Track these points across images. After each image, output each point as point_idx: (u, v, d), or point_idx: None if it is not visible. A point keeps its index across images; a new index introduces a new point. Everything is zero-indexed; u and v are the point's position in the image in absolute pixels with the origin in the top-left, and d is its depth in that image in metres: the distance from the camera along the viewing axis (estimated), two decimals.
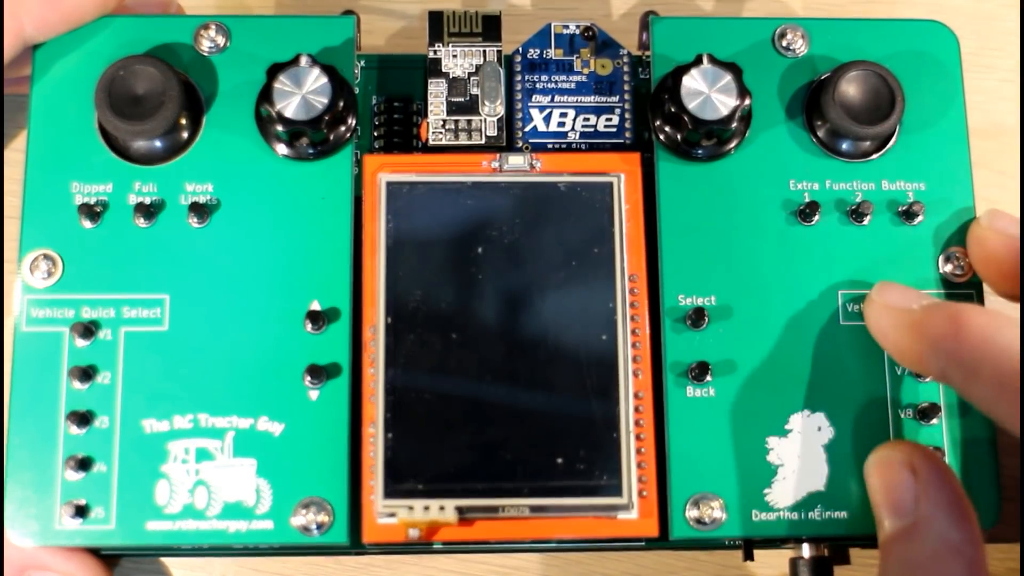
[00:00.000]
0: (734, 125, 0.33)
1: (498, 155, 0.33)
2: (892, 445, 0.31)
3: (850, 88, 0.33)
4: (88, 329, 0.31)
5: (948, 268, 0.33)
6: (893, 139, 0.34)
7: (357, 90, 0.34)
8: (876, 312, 0.31)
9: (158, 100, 0.32)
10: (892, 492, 0.29)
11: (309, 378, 0.31)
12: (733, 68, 0.33)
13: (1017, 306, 0.32)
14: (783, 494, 0.31)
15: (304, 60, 0.32)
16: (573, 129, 0.35)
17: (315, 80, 0.32)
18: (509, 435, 0.31)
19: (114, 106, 0.32)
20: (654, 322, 0.32)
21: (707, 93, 0.32)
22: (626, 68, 0.35)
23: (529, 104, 0.35)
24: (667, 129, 0.33)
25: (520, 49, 0.35)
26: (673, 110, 0.32)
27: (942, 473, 0.29)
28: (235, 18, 0.34)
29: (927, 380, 0.32)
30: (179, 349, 0.32)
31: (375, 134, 0.35)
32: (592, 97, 0.35)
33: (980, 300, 0.33)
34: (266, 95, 0.32)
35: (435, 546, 0.32)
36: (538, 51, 0.35)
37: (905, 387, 0.32)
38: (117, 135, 0.33)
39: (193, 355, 0.32)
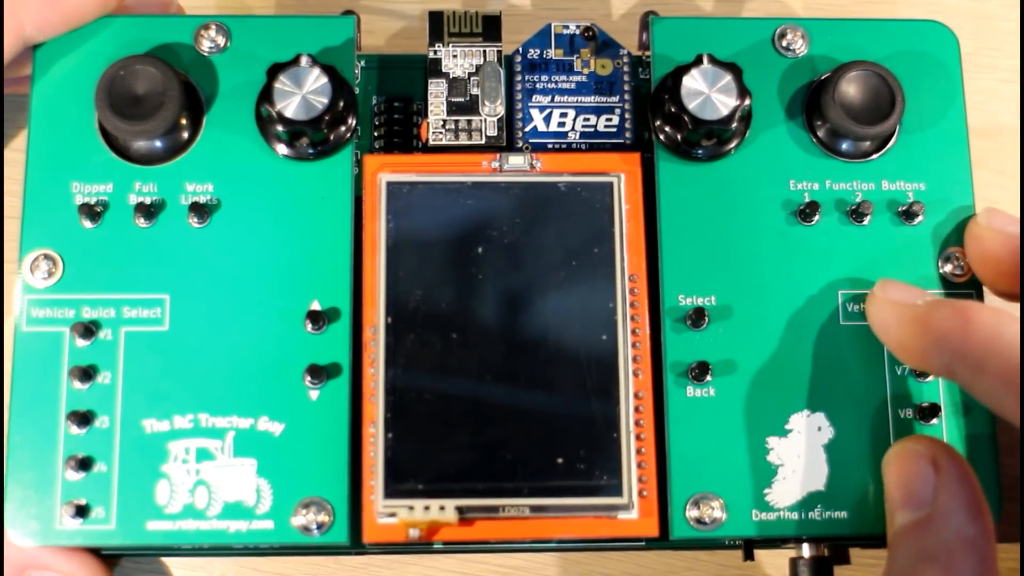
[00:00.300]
0: (734, 125, 0.33)
1: (498, 155, 0.33)
2: (915, 439, 0.31)
3: (850, 88, 0.33)
4: (88, 329, 0.31)
5: (948, 268, 0.33)
6: (893, 139, 0.34)
7: (357, 90, 0.34)
8: (879, 307, 0.31)
9: (158, 100, 0.32)
10: (911, 483, 0.29)
11: (309, 378, 0.31)
12: (733, 68, 0.33)
13: (1015, 305, 0.32)
14: (783, 494, 0.31)
15: (304, 60, 0.32)
16: (573, 129, 0.35)
17: (315, 80, 0.32)
18: (509, 435, 0.31)
19: (114, 106, 0.32)
20: (654, 322, 0.32)
21: (707, 93, 0.32)
22: (626, 68, 0.35)
23: (529, 104, 0.35)
24: (667, 129, 0.33)
25: (520, 49, 0.35)
26: (673, 110, 0.33)
27: (963, 469, 0.29)
28: (235, 18, 0.34)
29: (928, 380, 0.32)
30: (179, 349, 0.32)
31: (375, 134, 0.35)
32: (592, 97, 0.35)
33: (980, 300, 0.33)
34: (266, 95, 0.32)
35: (435, 546, 0.32)
36: (538, 51, 0.35)
37: (905, 387, 0.32)
38: (117, 135, 0.33)
39: (193, 355, 0.32)
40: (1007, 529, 0.33)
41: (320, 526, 0.31)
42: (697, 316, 0.32)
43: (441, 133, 0.34)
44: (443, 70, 0.35)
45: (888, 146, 0.34)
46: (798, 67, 0.34)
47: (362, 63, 0.35)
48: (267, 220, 0.33)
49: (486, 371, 0.31)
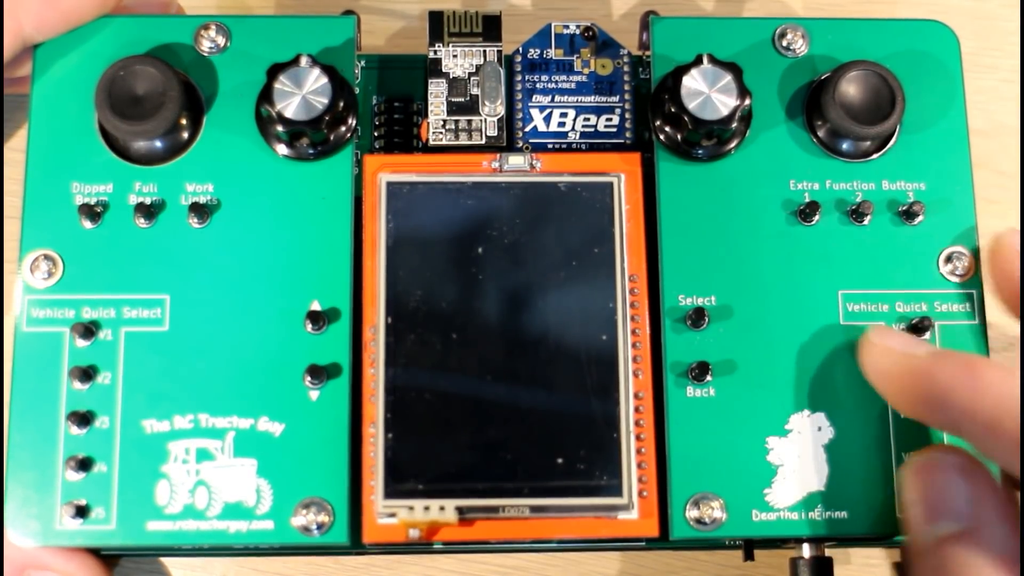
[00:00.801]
0: (734, 125, 0.33)
1: (498, 155, 0.33)
2: (938, 448, 0.31)
3: (850, 88, 0.33)
4: (88, 329, 0.31)
5: (948, 268, 0.33)
6: (893, 139, 0.34)
7: (357, 90, 0.34)
8: (878, 355, 0.31)
9: (158, 100, 0.32)
10: (943, 495, 0.29)
11: (309, 378, 0.31)
12: (733, 68, 0.33)
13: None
14: (783, 494, 0.31)
15: (304, 60, 0.32)
16: (573, 129, 0.35)
17: (315, 80, 0.32)
18: (509, 435, 0.31)
19: (114, 106, 0.32)
20: (654, 322, 0.32)
21: (707, 93, 0.32)
22: (626, 68, 0.35)
23: (529, 104, 0.35)
24: (667, 129, 0.33)
25: (520, 49, 0.35)
26: (673, 110, 0.33)
27: (993, 481, 0.29)
28: (235, 18, 0.34)
29: None
30: (179, 349, 0.32)
31: (375, 134, 0.35)
32: (592, 97, 0.35)
33: (981, 300, 0.33)
34: (266, 95, 0.32)
35: (435, 546, 0.32)
36: (538, 51, 0.35)
37: None
38: (117, 135, 0.33)
39: (193, 355, 0.32)
40: None
41: (320, 526, 0.31)
42: (697, 316, 0.32)
43: (441, 133, 0.34)
44: (443, 70, 0.34)
45: (888, 146, 0.34)
46: (798, 67, 0.34)
47: (362, 63, 0.35)
48: (267, 220, 0.33)
49: (486, 371, 0.31)
